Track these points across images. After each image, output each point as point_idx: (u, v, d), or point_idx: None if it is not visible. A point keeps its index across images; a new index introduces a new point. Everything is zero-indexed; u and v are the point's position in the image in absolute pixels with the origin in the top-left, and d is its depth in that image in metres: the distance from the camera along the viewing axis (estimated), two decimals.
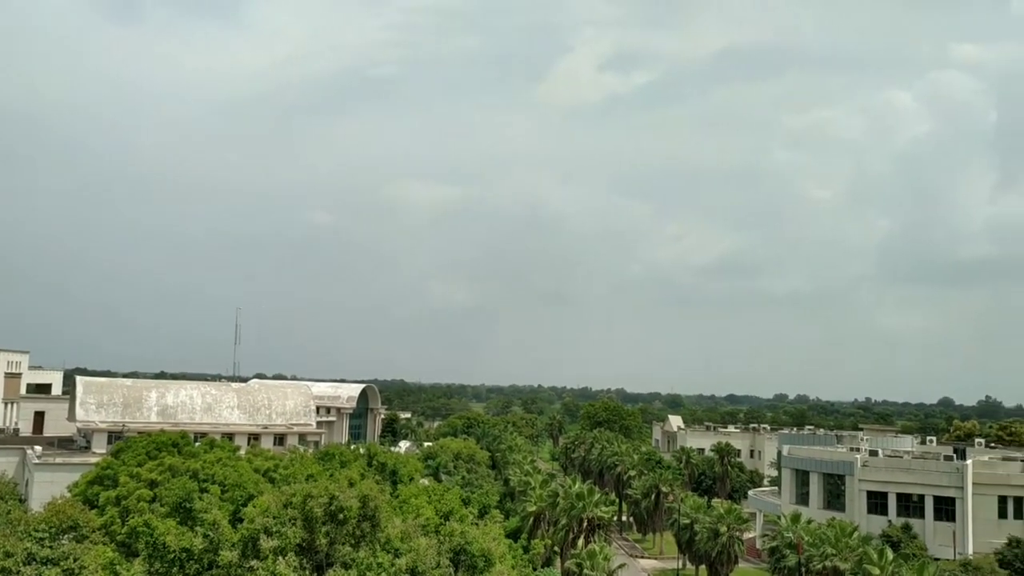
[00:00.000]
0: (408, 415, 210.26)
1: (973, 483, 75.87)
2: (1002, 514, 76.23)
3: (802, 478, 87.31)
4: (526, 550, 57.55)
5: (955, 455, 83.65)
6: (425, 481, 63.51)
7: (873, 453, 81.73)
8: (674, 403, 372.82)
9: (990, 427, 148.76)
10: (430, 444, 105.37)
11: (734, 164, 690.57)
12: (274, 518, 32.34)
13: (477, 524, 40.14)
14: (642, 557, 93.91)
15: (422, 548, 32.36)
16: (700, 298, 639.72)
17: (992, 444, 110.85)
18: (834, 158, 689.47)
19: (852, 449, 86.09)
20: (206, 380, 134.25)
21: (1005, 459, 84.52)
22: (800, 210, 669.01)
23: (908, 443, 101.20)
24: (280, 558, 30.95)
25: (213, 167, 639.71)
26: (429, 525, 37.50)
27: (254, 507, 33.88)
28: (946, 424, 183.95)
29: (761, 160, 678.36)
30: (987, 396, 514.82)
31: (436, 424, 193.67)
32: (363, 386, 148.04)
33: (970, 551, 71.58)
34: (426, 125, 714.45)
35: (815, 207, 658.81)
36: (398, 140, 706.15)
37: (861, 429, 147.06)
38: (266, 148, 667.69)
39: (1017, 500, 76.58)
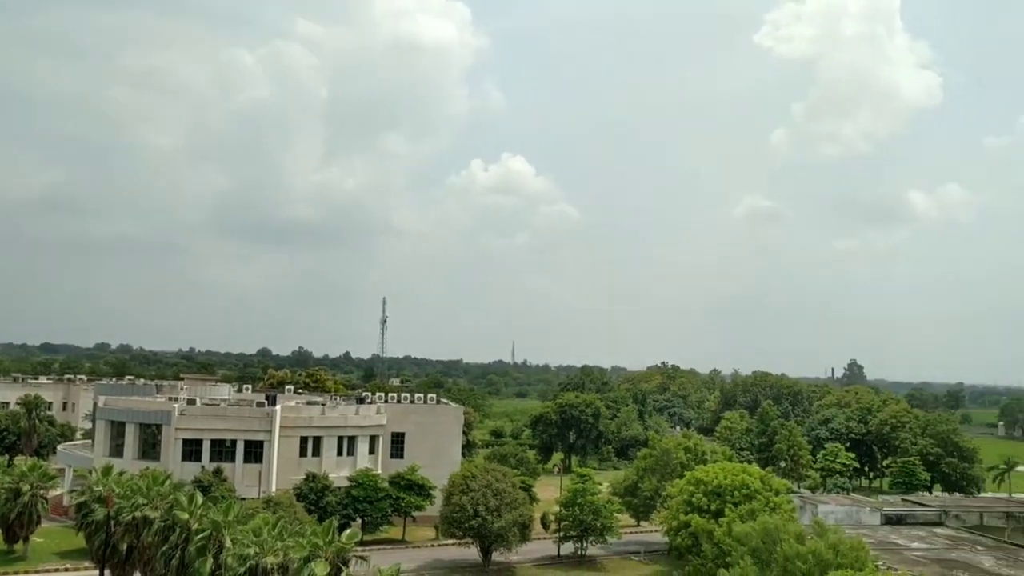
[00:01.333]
0: None
1: (280, 426, 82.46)
2: (303, 452, 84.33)
3: (118, 429, 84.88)
4: None
5: (267, 401, 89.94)
6: None
7: (191, 402, 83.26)
8: None
9: (300, 375, 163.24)
10: None
11: (65, 93, 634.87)
12: None
13: None
14: None
15: None
16: (15, 236, 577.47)
17: (300, 390, 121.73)
18: (176, 106, 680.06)
19: (171, 399, 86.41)
20: None
21: (309, 403, 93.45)
22: (135, 153, 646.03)
23: (226, 391, 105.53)
24: None
25: None
26: None
27: None
28: (262, 373, 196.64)
29: (96, 94, 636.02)
30: (300, 347, 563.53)
31: None
32: None
33: (273, 488, 77.63)
34: None
35: (152, 152, 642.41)
36: None
37: (183, 379, 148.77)
38: None
39: (316, 439, 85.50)
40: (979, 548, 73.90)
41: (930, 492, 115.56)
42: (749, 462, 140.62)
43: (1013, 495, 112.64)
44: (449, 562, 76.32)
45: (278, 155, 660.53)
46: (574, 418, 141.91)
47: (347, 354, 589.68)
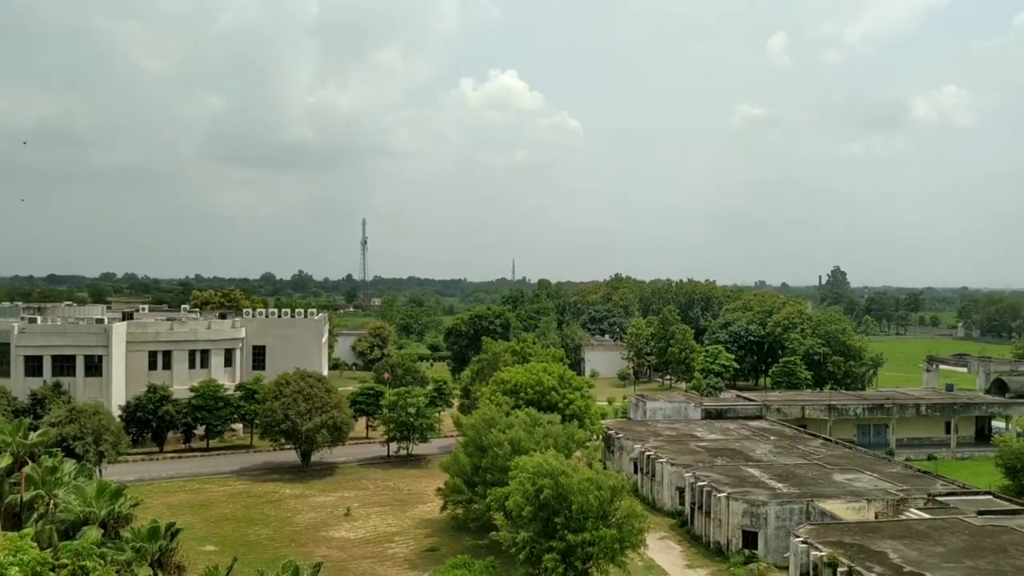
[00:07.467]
0: None
1: (128, 341, 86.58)
2: (152, 366, 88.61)
3: None
4: None
5: (122, 318, 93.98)
6: None
7: (33, 320, 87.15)
8: None
9: (216, 295, 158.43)
10: None
11: (55, 23, 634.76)
12: None
13: None
14: None
15: None
16: (14, 167, 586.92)
17: (218, 309, 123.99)
18: (166, 30, 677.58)
19: (25, 319, 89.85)
20: None
21: (170, 319, 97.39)
22: (130, 80, 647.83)
23: (99, 312, 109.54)
24: None
25: None
26: None
27: None
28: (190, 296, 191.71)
29: (85, 22, 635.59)
30: (300, 270, 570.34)
31: None
32: None
33: (114, 400, 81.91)
34: None
35: (146, 77, 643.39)
36: None
37: (109, 303, 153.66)
38: None
39: (166, 353, 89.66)
40: (771, 438, 77.02)
41: (812, 389, 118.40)
42: (650, 365, 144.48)
43: (878, 389, 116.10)
44: (277, 464, 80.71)
45: (271, 76, 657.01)
46: (484, 328, 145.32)
47: (349, 276, 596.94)
